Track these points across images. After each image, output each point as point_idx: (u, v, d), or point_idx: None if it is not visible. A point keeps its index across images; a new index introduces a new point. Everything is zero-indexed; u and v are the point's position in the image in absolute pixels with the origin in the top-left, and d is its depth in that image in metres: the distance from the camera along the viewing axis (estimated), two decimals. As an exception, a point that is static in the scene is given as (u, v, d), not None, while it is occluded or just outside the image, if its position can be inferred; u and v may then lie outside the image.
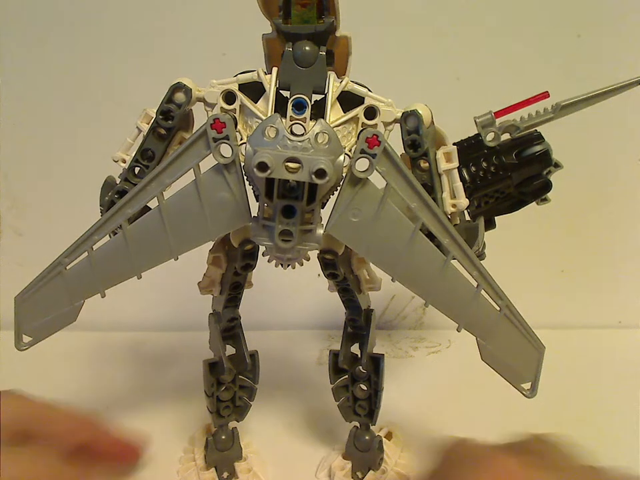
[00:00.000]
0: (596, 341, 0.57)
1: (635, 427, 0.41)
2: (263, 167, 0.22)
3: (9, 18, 0.51)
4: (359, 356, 0.35)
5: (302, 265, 0.29)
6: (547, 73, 0.52)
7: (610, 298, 0.61)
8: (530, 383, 0.29)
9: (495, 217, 0.35)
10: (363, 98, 0.26)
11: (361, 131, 0.26)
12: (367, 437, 0.35)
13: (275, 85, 0.26)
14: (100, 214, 0.31)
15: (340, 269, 0.31)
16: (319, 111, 0.26)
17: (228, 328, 0.34)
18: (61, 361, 0.49)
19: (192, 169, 0.25)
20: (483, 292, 0.27)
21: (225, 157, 0.25)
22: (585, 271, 0.61)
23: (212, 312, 0.34)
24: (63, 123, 0.54)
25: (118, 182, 0.30)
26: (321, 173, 0.22)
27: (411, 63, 0.53)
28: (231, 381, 0.35)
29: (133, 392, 0.46)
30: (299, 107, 0.25)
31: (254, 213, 0.26)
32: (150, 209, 0.27)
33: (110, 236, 0.28)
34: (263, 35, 0.27)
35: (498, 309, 0.27)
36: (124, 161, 0.29)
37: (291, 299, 0.59)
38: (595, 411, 0.43)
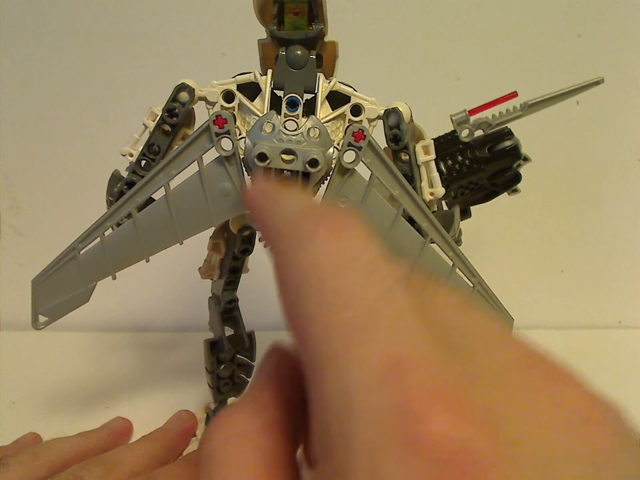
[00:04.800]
0: (596, 341, 0.56)
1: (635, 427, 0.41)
2: (262, 157, 0.25)
3: (8, 17, 0.52)
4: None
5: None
6: (547, 72, 0.53)
7: (610, 298, 0.61)
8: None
9: (477, 209, 0.38)
10: (349, 97, 0.29)
11: (348, 126, 0.29)
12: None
13: (270, 85, 0.28)
14: (107, 204, 0.33)
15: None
16: (309, 109, 0.28)
17: (227, 310, 0.37)
18: (60, 361, 0.50)
19: (196, 161, 0.28)
20: (457, 270, 0.30)
21: (226, 150, 0.28)
22: (585, 270, 0.60)
23: (211, 295, 0.37)
24: (63, 123, 0.55)
25: (124, 175, 0.32)
26: (313, 163, 0.25)
27: (411, 63, 0.54)
28: (230, 360, 0.37)
29: (134, 385, 0.47)
30: (292, 105, 0.28)
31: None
32: (154, 200, 0.30)
33: (113, 228, 0.30)
34: (259, 40, 0.29)
35: (471, 285, 0.30)
36: (131, 155, 0.31)
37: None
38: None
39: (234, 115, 0.29)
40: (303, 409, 0.16)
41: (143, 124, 0.31)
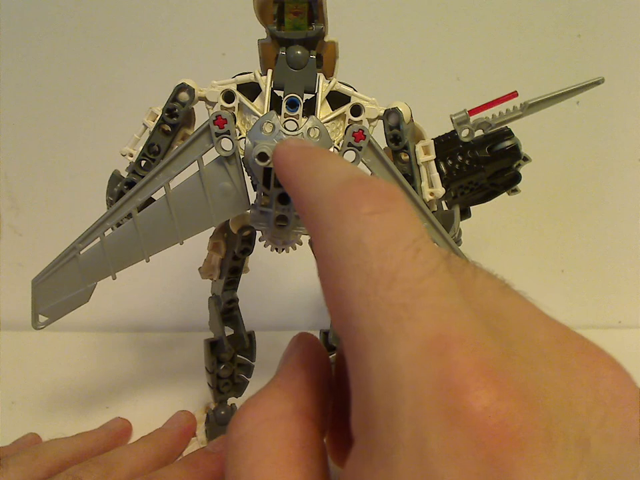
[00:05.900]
0: (596, 341, 0.54)
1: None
2: (263, 157, 0.25)
3: (8, 17, 0.52)
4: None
5: (295, 249, 0.32)
6: (547, 72, 0.52)
7: (610, 298, 0.60)
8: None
9: (477, 209, 0.38)
10: (349, 97, 0.29)
11: (348, 126, 0.29)
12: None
13: (270, 86, 0.28)
14: (107, 204, 0.33)
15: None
16: (309, 109, 0.28)
17: (227, 310, 0.37)
18: (60, 361, 0.50)
19: (196, 161, 0.28)
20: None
21: (226, 150, 0.28)
22: (585, 271, 0.60)
23: (211, 295, 0.37)
24: (63, 123, 0.55)
25: (124, 175, 0.32)
26: (313, 163, 0.25)
27: (411, 63, 0.54)
28: (230, 360, 0.37)
29: (134, 385, 0.47)
30: (292, 105, 0.28)
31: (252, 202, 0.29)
32: (154, 200, 0.30)
33: (113, 228, 0.31)
34: (259, 40, 0.29)
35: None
36: (131, 155, 0.31)
37: (292, 299, 0.60)
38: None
39: (234, 115, 0.29)
40: (328, 396, 0.16)
41: (143, 124, 0.31)
